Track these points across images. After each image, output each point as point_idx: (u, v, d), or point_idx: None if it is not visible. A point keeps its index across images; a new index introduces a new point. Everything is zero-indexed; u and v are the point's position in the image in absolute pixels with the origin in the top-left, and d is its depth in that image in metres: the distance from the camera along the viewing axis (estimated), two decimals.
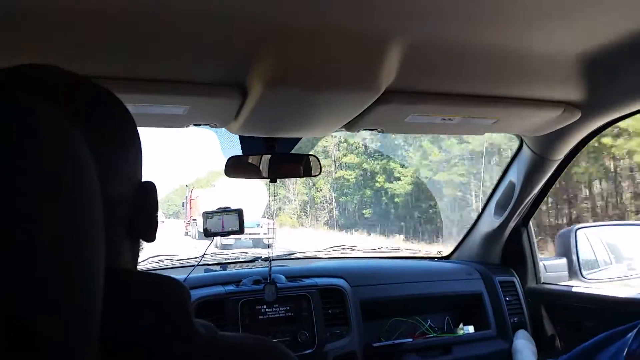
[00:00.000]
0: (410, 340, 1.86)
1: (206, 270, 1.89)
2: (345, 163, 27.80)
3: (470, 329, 1.96)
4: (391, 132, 1.57)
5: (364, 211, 26.65)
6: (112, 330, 0.45)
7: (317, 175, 1.71)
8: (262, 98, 1.15)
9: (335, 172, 29.14)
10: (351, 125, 1.43)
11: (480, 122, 1.50)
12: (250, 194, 17.20)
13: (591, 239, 2.05)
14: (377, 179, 25.29)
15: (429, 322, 1.95)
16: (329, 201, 30.33)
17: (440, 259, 2.42)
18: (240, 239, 15.71)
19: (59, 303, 0.35)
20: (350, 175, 27.89)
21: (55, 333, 0.35)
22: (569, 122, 1.53)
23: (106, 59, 1.02)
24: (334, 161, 28.90)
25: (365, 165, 26.47)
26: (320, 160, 1.67)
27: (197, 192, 23.45)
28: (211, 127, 1.42)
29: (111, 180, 0.51)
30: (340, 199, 29.40)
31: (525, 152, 1.87)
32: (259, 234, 16.48)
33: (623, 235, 2.11)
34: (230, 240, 14.94)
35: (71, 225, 0.37)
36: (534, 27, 1.01)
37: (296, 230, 27.99)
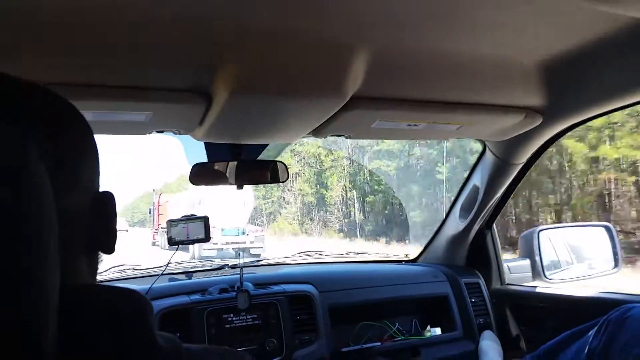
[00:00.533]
0: (379, 344, 1.86)
1: (170, 280, 1.85)
2: (384, 151, 20.80)
3: (438, 330, 1.98)
4: (358, 138, 1.57)
5: (412, 213, 19.33)
6: (70, 346, 0.43)
7: (284, 182, 1.70)
8: (227, 104, 1.13)
9: (350, 165, 23.14)
10: (318, 132, 1.43)
11: (445, 127, 1.52)
12: (234, 197, 15.26)
13: (553, 240, 2.11)
14: (437, 169, 18.10)
15: (397, 325, 1.96)
16: (347, 202, 24.08)
17: (408, 262, 2.44)
18: (222, 249, 14.83)
19: (4, 319, 0.35)
20: (388, 167, 20.94)
21: (3, 348, 0.35)
22: (531, 127, 1.56)
23: (64, 65, 0.99)
24: (351, 151, 23.07)
25: (417, 151, 19.27)
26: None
27: (166, 197, 21.40)
28: (175, 134, 1.39)
29: (68, 192, 0.50)
30: (367, 199, 22.71)
31: (489, 156, 1.91)
32: (244, 242, 15.01)
33: (584, 236, 2.18)
34: (211, 251, 14.11)
35: (22, 241, 0.37)
36: (496, 35, 1.03)
37: (298, 238, 23.31)
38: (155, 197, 22.71)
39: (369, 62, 1.08)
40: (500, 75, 1.26)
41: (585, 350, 1.40)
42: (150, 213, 24.03)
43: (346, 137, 1.51)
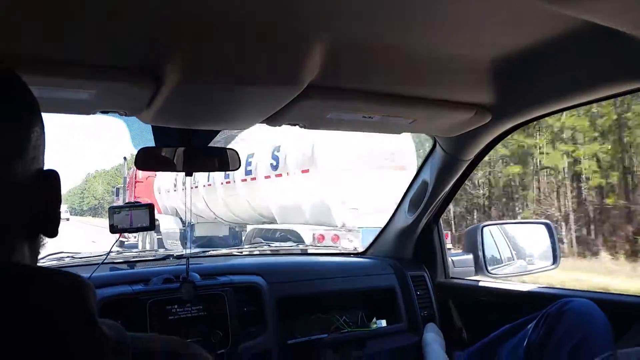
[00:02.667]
0: (326, 335, 1.86)
1: (112, 269, 1.77)
2: None
3: (383, 323, 2.00)
4: (313, 128, 1.56)
5: None
6: (6, 328, 0.41)
7: (236, 170, 1.66)
8: (178, 88, 1.08)
9: None
10: (272, 120, 1.40)
11: (399, 121, 1.53)
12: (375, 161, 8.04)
13: (496, 237, 2.18)
14: None
15: (344, 317, 1.97)
16: None
17: (357, 255, 2.46)
18: None
19: None
20: None
21: None
22: (480, 124, 1.60)
23: (4, 36, 0.92)
24: None
25: None
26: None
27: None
28: (120, 115, 1.32)
29: (5, 168, 0.47)
30: None
31: (438, 152, 1.94)
32: None
33: (525, 232, 2.26)
34: None
35: None
36: (450, 31, 1.05)
37: None
38: (127, 170, 14.24)
39: (326, 52, 1.08)
40: (453, 72, 1.28)
41: (525, 343, 1.45)
42: (117, 195, 15.09)
43: (301, 127, 1.49)
